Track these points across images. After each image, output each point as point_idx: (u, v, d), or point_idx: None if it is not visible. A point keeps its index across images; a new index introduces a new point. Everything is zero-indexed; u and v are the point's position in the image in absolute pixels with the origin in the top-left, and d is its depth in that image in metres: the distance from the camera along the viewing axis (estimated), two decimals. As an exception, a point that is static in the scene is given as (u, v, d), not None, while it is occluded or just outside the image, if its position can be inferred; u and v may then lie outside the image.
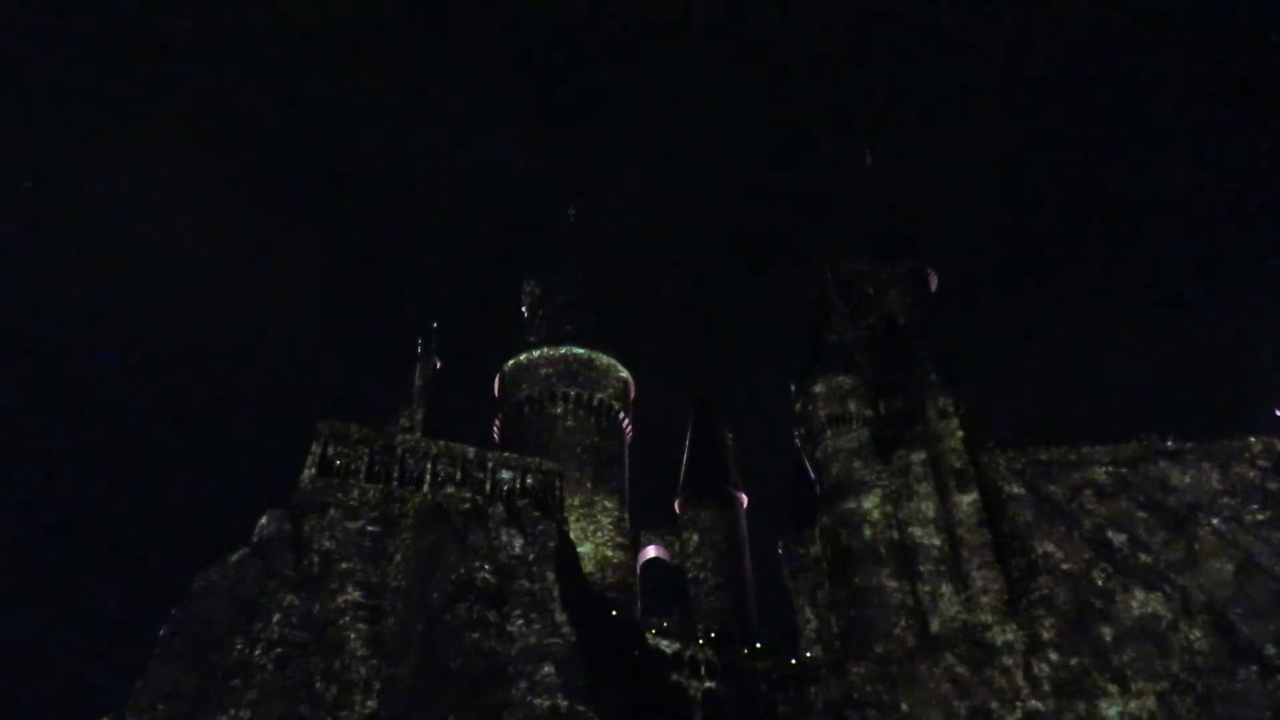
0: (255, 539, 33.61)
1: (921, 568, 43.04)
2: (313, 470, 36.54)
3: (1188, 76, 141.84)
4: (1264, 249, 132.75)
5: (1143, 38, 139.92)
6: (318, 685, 28.73)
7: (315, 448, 37.24)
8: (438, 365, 43.93)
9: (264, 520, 34.32)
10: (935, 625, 41.05)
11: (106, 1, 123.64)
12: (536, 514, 38.15)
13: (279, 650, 29.13)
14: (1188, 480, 43.14)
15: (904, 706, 38.11)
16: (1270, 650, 36.10)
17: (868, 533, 44.46)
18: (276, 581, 31.55)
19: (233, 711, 27.19)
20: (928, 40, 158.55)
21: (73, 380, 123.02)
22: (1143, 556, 40.72)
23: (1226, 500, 41.86)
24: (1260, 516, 40.82)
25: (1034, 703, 37.19)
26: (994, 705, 37.43)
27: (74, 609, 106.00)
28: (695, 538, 54.34)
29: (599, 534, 50.41)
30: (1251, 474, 42.54)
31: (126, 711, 27.69)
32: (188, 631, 30.08)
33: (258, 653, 28.95)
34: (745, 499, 58.49)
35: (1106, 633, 38.52)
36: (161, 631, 30.45)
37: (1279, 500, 41.26)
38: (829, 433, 48.47)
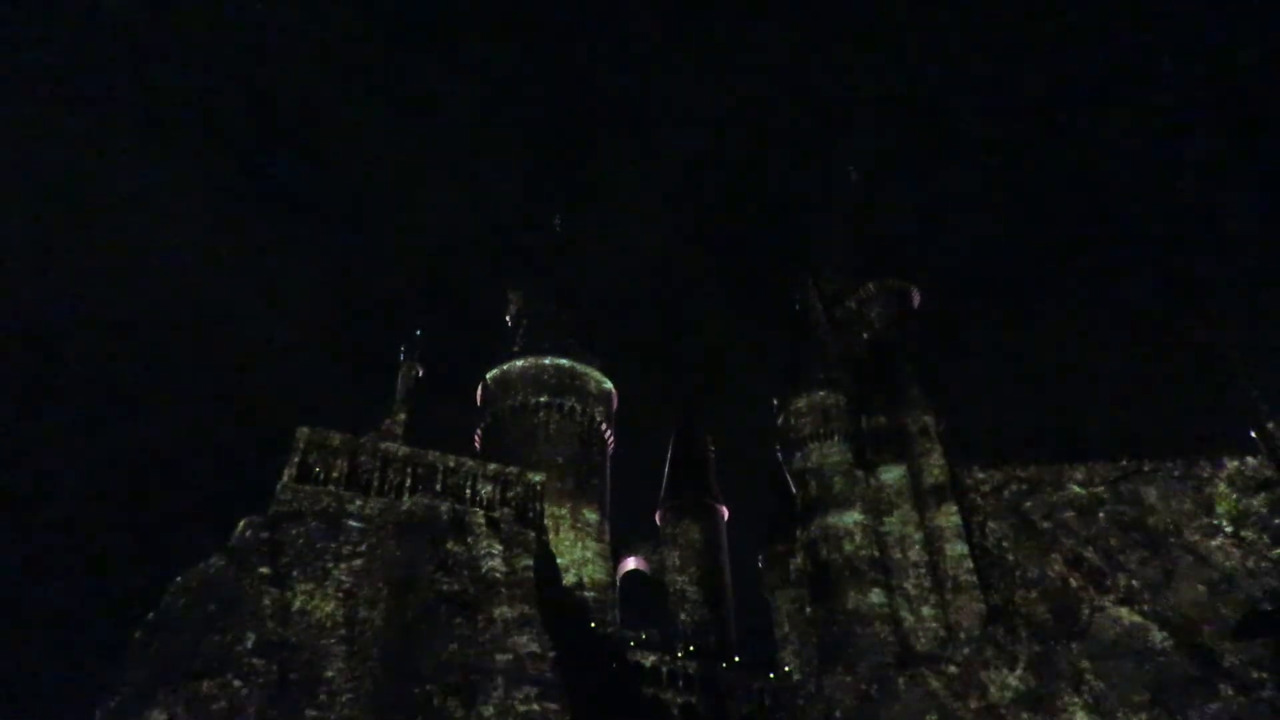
0: (231, 545, 33.27)
1: (900, 583, 43.18)
2: (291, 477, 36.26)
3: (1172, 102, 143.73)
4: (1241, 274, 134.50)
5: (1128, 63, 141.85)
6: (292, 693, 28.43)
7: (294, 454, 36.97)
8: (420, 373, 43.73)
9: (240, 527, 34.01)
10: (913, 641, 41.15)
11: (106, 10, 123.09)
12: (517, 524, 37.99)
13: (253, 658, 28.82)
14: (1165, 500, 43.48)
15: (881, 722, 38.11)
16: (1252, 672, 36.31)
17: (848, 548, 44.56)
18: (252, 589, 31.24)
19: (204, 718, 26.86)
20: (915, 59, 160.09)
21: (50, 382, 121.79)
22: (1119, 575, 40.98)
23: (1202, 520, 42.21)
24: (1235, 537, 41.18)
25: (1011, 719, 37.28)
26: (970, 722, 37.49)
27: (46, 613, 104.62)
28: (676, 550, 54.38)
29: (579, 545, 50.29)
30: (1227, 494, 42.93)
31: (97, 718, 27.33)
32: (161, 637, 29.72)
33: (231, 660, 28.61)
34: (726, 512, 58.55)
35: (1083, 650, 38.69)
36: (135, 636, 30.10)
37: (1253, 520, 41.63)
38: (810, 447, 48.60)
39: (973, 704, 38.06)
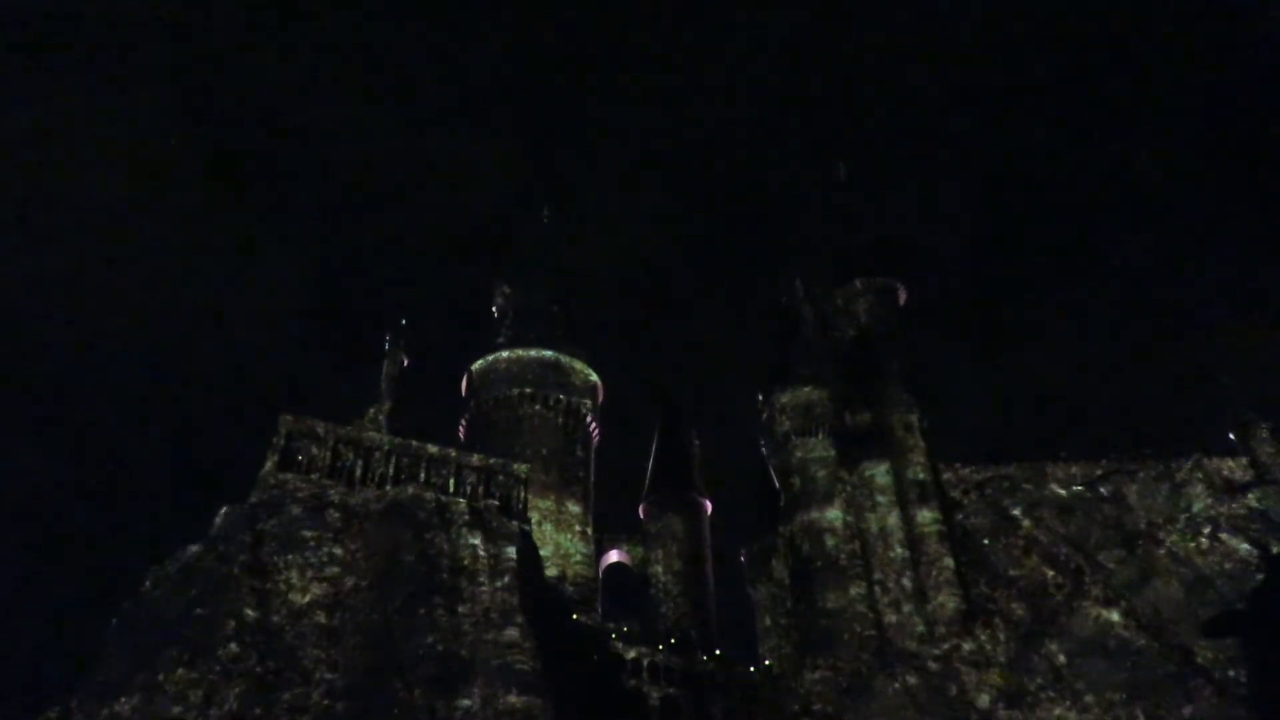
0: (212, 534, 33.09)
1: (881, 579, 43.38)
2: (274, 466, 36.08)
3: (1160, 108, 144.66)
4: (1224, 279, 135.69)
5: (1119, 65, 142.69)
6: (271, 682, 28.32)
7: (277, 443, 36.78)
8: (405, 363, 43.57)
9: (222, 514, 33.82)
10: (893, 637, 41.37)
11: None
12: (500, 516, 37.92)
13: (232, 646, 28.68)
14: (1144, 500, 43.94)
15: (859, 718, 38.31)
16: (1227, 670, 36.67)
17: (830, 543, 44.72)
18: (232, 577, 31.08)
19: (183, 707, 26.72)
20: (907, 55, 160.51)
21: (33, 370, 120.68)
22: (1098, 574, 41.37)
23: (1180, 521, 42.68)
24: (1213, 538, 41.66)
25: (989, 716, 37.56)
26: (949, 718, 37.75)
27: (23, 600, 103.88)
28: (659, 544, 54.43)
29: (562, 537, 50.29)
30: (1205, 495, 43.41)
31: (74, 705, 27.16)
32: (139, 625, 29.55)
33: (210, 648, 28.46)
34: (709, 506, 58.65)
35: (1061, 648, 39.05)
36: (113, 622, 29.91)
37: (1231, 521, 42.11)
38: (794, 443, 48.71)
39: (950, 699, 38.32)
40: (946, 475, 46.82)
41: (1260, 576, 39.50)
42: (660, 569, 53.21)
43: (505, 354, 56.28)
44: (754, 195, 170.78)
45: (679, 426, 62.14)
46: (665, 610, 51.32)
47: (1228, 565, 40.42)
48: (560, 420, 54.55)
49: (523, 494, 40.90)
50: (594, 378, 58.17)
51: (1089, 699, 36.96)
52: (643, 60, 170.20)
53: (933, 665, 39.66)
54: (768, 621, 47.89)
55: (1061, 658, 38.61)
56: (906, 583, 42.90)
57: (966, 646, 40.04)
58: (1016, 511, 44.59)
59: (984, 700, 38.01)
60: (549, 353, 56.29)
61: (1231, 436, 46.36)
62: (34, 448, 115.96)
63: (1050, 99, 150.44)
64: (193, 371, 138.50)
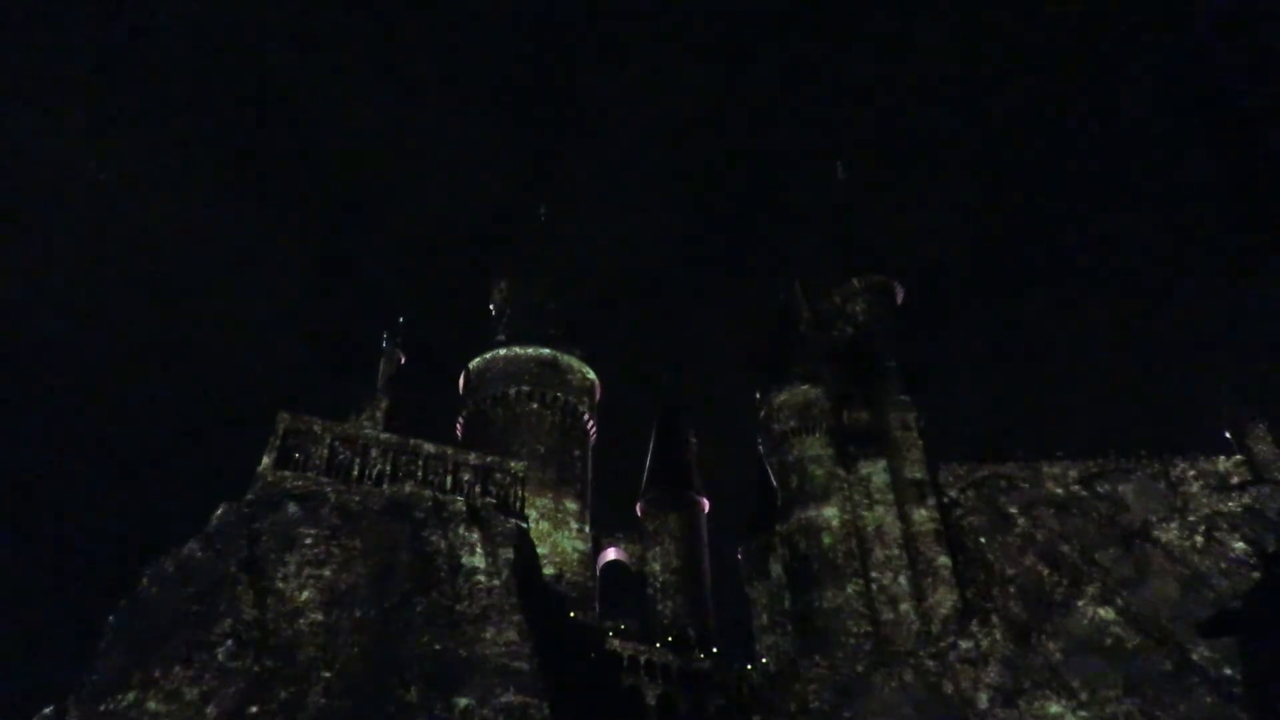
0: (209, 531, 33.08)
1: (878, 577, 43.46)
2: (271, 463, 36.07)
3: (1160, 108, 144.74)
4: (1219, 280, 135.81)
5: (1119, 64, 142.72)
6: (268, 680, 28.31)
7: (274, 440, 36.78)
8: (403, 360, 43.62)
9: (219, 512, 33.81)
10: (889, 635, 41.43)
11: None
12: (498, 514, 37.95)
13: (229, 643, 28.68)
14: (1140, 499, 44.01)
15: (855, 716, 38.36)
16: (1223, 669, 36.70)
17: (827, 540, 44.77)
18: (229, 574, 31.07)
19: (179, 705, 26.72)
20: (904, 55, 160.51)
21: (32, 369, 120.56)
22: (1094, 572, 41.43)
23: (1176, 519, 42.75)
24: (1208, 537, 41.73)
25: (985, 714, 37.62)
26: (946, 716, 37.81)
27: (19, 596, 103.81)
28: (656, 542, 54.49)
29: (560, 535, 50.33)
30: (1201, 494, 43.48)
31: (71, 701, 27.14)
32: (136, 622, 29.52)
33: (206, 645, 28.47)
34: (707, 504, 58.71)
35: (1057, 645, 39.11)
36: (110, 619, 29.89)
37: (1227, 520, 42.19)
38: (791, 442, 48.76)
39: (947, 697, 38.38)
40: (943, 474, 46.86)
41: (1256, 575, 39.54)
42: (658, 567, 53.26)
43: (503, 352, 56.32)
44: (753, 195, 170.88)
45: (677, 425, 62.18)
46: (662, 608, 51.38)
47: (1223, 564, 40.48)
48: (558, 418, 54.59)
49: (520, 492, 40.93)
50: (591, 376, 58.20)
51: (1085, 697, 37.02)
52: (643, 59, 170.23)
53: (929, 663, 39.72)
54: (765, 619, 47.95)
55: (1058, 656, 38.65)
56: (903, 581, 42.97)
57: (963, 644, 40.10)
58: (1013, 510, 44.62)
59: (980, 698, 38.06)
60: (547, 351, 56.34)
61: (1227, 435, 46.44)
62: (33, 447, 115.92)
63: (1050, 98, 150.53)
64: (190, 369, 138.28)
